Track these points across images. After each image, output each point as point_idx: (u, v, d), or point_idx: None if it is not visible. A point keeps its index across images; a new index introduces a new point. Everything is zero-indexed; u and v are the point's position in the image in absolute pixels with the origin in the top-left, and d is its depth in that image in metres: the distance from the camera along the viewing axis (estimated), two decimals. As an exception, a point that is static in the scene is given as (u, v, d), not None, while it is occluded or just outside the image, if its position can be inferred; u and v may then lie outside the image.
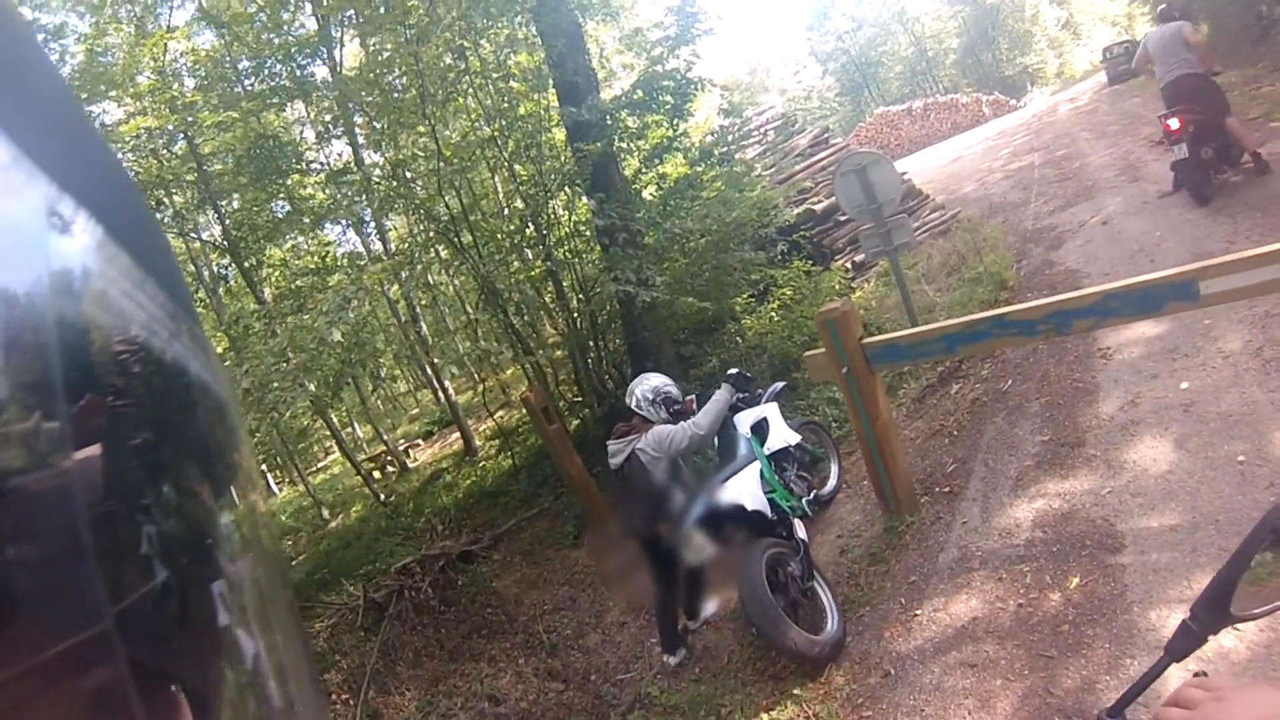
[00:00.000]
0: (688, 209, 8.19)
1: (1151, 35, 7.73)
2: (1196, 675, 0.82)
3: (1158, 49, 7.44)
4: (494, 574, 6.60)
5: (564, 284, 8.40)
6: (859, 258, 10.22)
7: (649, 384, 4.38)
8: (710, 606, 4.63)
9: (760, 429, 4.65)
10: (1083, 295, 3.52)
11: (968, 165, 17.35)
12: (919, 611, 3.62)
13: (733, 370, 4.61)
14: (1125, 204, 8.43)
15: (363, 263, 9.85)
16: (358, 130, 10.14)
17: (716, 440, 4.72)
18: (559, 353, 9.07)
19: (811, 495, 4.76)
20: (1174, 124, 6.93)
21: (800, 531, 4.13)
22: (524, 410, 7.79)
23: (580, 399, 8.98)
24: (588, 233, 8.20)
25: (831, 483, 5.44)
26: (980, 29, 49.90)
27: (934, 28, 53.82)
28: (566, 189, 7.94)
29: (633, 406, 4.36)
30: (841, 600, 4.04)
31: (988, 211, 11.27)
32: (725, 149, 9.06)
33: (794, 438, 4.83)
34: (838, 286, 9.40)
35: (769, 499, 4.25)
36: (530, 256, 8.91)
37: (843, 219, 11.14)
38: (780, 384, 5.42)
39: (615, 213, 7.14)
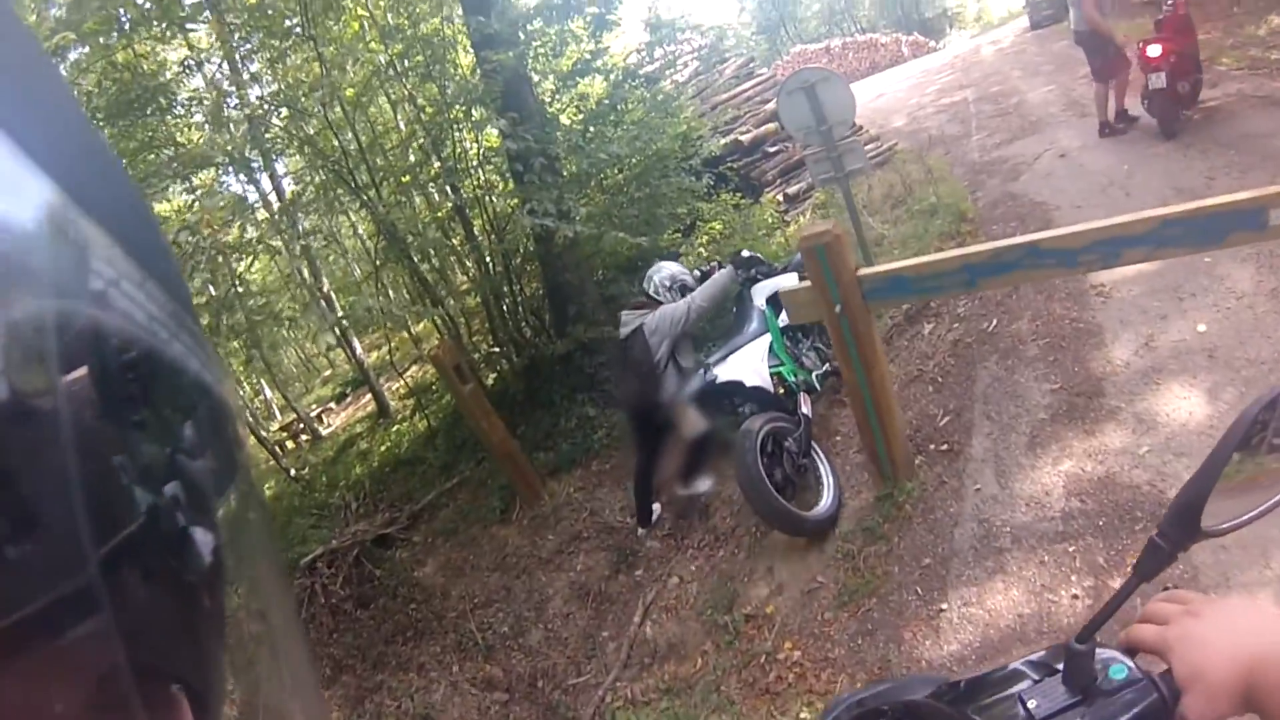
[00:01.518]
0: (611, 134, 7.35)
1: None
2: (1165, 590, 0.83)
3: None
4: (415, 560, 5.71)
5: (474, 223, 7.44)
6: (791, 190, 9.65)
7: (666, 272, 4.70)
8: (704, 483, 4.74)
9: (776, 300, 4.46)
10: (1135, 220, 2.89)
11: (894, 101, 16.75)
12: (944, 606, 2.96)
13: (745, 253, 4.72)
14: (1080, 138, 7.96)
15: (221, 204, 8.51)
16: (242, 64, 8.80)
17: (734, 310, 4.87)
18: (471, 300, 8.14)
19: (825, 369, 4.65)
20: (1154, 51, 6.38)
21: (804, 406, 4.15)
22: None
23: (497, 349, 8.09)
24: (499, 160, 7.23)
25: None
26: (901, -30, 49.64)
27: (854, -32, 53.25)
28: (474, 110, 6.88)
29: (650, 292, 4.63)
30: (839, 585, 3.41)
31: (926, 144, 10.67)
32: (652, 66, 8.12)
33: None
34: (770, 220, 8.86)
35: (776, 372, 4.29)
36: (435, 196, 7.91)
37: (772, 150, 10.56)
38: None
39: (531, 135, 6.17)
